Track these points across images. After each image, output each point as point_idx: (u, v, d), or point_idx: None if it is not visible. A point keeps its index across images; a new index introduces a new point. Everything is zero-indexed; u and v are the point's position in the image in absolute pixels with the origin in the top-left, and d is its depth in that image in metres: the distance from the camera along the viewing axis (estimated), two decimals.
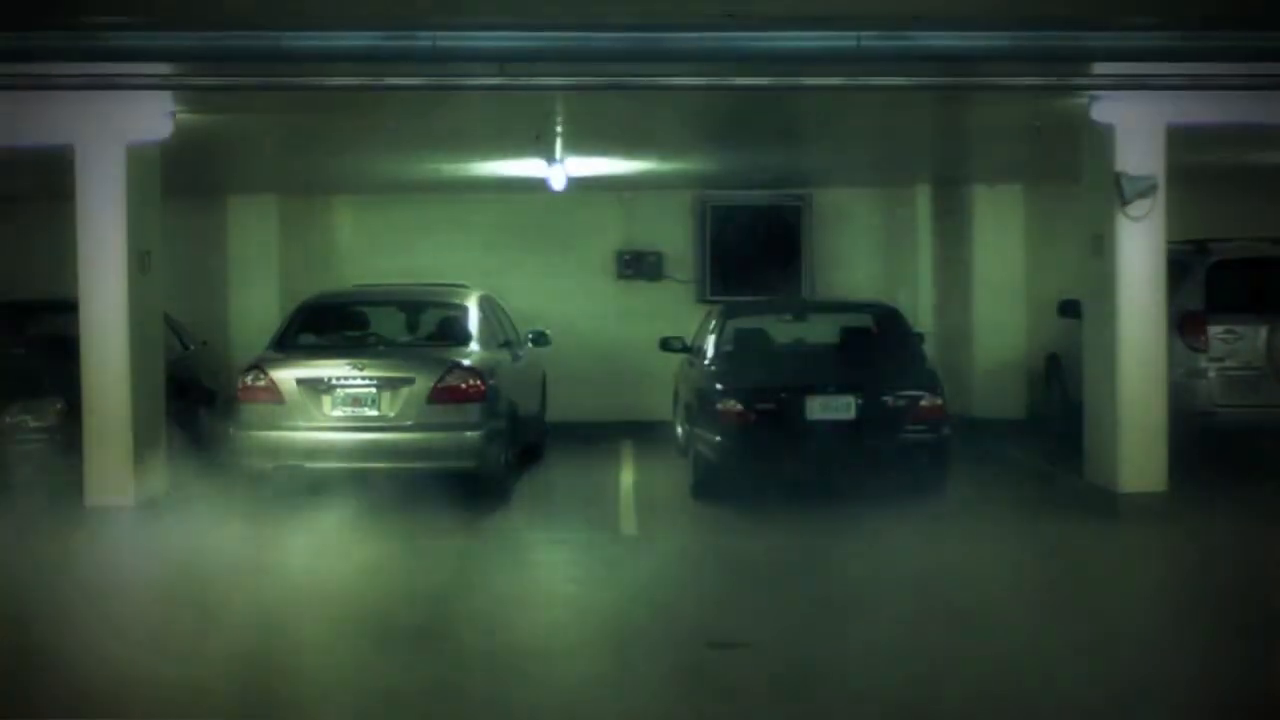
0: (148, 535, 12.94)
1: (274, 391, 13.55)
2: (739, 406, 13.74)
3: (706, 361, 14.97)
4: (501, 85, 10.40)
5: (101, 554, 12.43)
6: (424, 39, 8.79)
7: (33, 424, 13.78)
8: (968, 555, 12.11)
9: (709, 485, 14.20)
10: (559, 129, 14.28)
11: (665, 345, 16.39)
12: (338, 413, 13.51)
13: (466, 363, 13.80)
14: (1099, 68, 11.37)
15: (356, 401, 13.51)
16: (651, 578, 11.40)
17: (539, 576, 11.62)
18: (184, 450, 14.88)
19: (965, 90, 12.08)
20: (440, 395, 13.51)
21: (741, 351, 15.16)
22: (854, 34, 8.93)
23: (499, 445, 14.04)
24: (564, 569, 11.75)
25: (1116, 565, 11.88)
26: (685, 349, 16.18)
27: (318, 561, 11.88)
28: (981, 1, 9.60)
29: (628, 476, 15.59)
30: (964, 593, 10.73)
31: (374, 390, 13.50)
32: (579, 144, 15.36)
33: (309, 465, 13.63)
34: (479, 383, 13.62)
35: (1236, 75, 10.59)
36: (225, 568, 11.57)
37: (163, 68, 10.80)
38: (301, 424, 13.58)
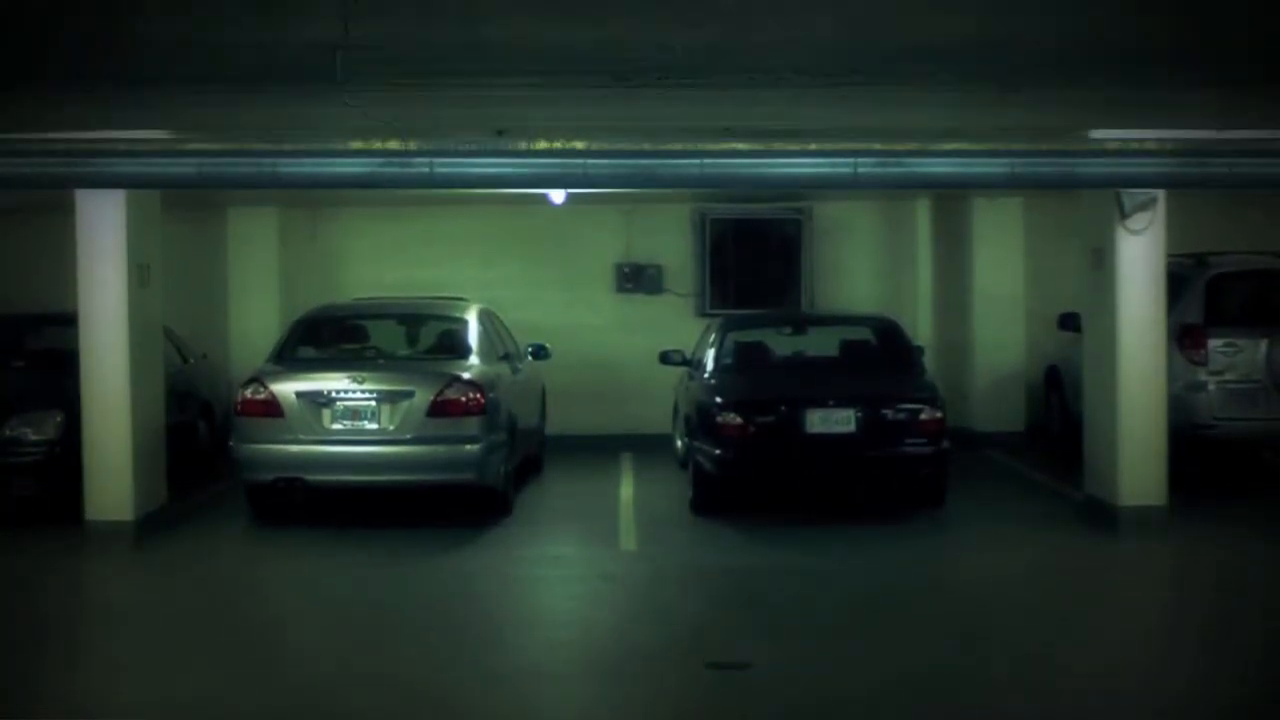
0: (146, 556, 12.94)
1: (273, 404, 13.53)
2: (738, 419, 13.73)
3: (706, 375, 14.96)
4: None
5: (100, 576, 12.44)
6: (420, 164, 8.87)
7: (32, 437, 13.75)
8: (969, 572, 12.13)
9: (708, 499, 14.18)
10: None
11: (665, 359, 16.39)
12: (337, 426, 13.50)
13: (466, 376, 13.79)
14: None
15: (356, 414, 13.49)
16: (650, 595, 11.41)
17: (537, 594, 11.63)
18: (184, 463, 14.89)
19: None
20: (440, 408, 13.50)
21: (741, 365, 15.16)
22: (851, 160, 9.01)
23: (498, 458, 14.02)
24: (562, 586, 11.75)
25: (1118, 582, 11.85)
26: (685, 362, 16.18)
27: (313, 581, 11.90)
28: (979, 134, 9.71)
29: (627, 490, 15.58)
30: (966, 611, 10.74)
31: (373, 403, 13.49)
32: None
33: (309, 478, 13.62)
34: (478, 396, 13.61)
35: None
36: (222, 591, 11.58)
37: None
38: (301, 437, 13.56)
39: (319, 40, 6.98)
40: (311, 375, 13.88)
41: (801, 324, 17.17)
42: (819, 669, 9.22)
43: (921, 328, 19.33)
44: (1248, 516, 13.56)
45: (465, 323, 15.01)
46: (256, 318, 18.92)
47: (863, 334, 15.89)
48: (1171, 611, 11.10)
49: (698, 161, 7.64)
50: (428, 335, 15.65)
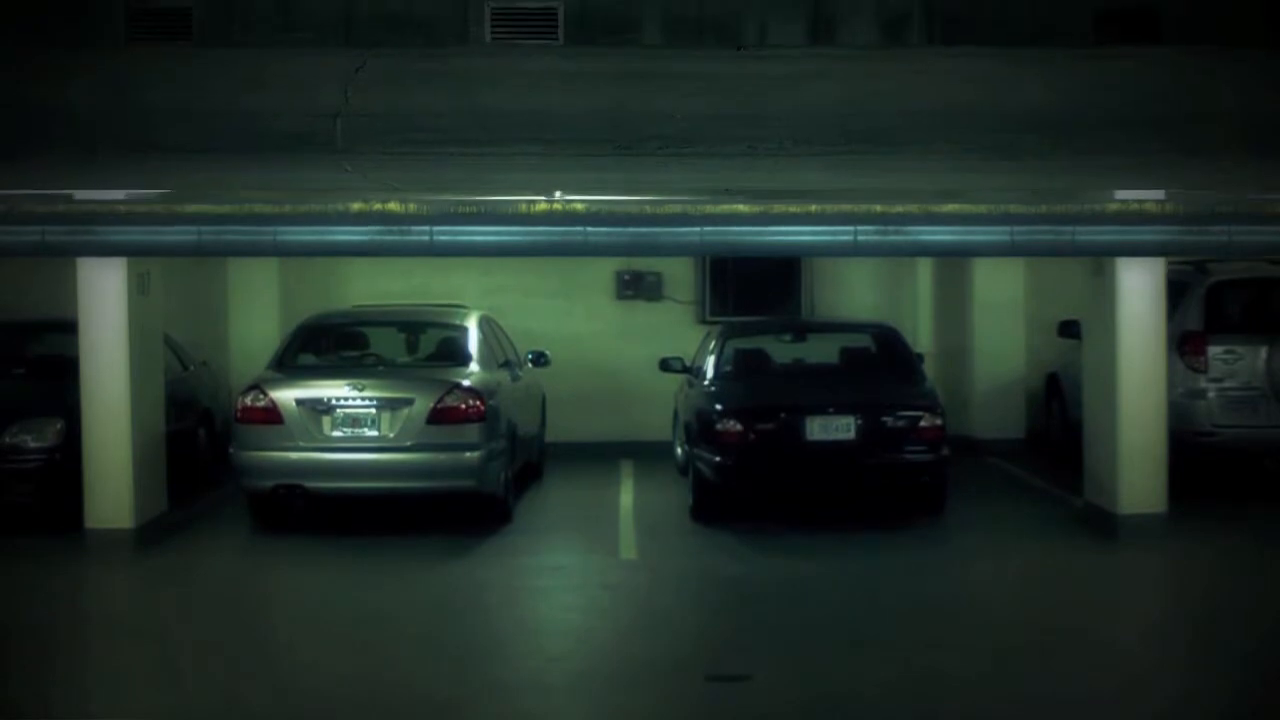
0: (146, 565, 12.94)
1: (273, 412, 13.52)
2: (739, 427, 13.73)
3: (706, 382, 14.96)
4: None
5: (99, 585, 12.43)
6: (420, 233, 8.95)
7: (32, 444, 13.72)
8: (969, 581, 12.09)
9: (708, 506, 14.17)
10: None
11: (665, 366, 16.38)
12: (337, 433, 13.48)
13: (466, 383, 13.78)
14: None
15: (356, 422, 13.48)
16: (650, 605, 11.38)
17: (537, 604, 11.60)
18: (184, 471, 14.89)
19: None
20: (440, 416, 13.49)
21: (741, 372, 15.16)
22: (851, 229, 9.09)
23: (498, 465, 14.01)
24: (562, 596, 11.73)
25: (1118, 591, 11.83)
26: (685, 369, 16.17)
27: (312, 591, 11.89)
28: (978, 195, 9.76)
29: (627, 497, 15.56)
30: (967, 622, 10.72)
31: (373, 410, 13.48)
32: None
33: (308, 485, 13.60)
34: (478, 403, 13.60)
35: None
36: (222, 601, 11.56)
37: None
38: (301, 444, 13.54)
39: (320, 109, 7.04)
40: (311, 382, 13.86)
41: (801, 331, 17.17)
42: (820, 681, 9.18)
43: (921, 335, 19.34)
44: (1248, 524, 13.54)
45: (465, 330, 15.01)
46: (256, 325, 18.91)
47: (863, 341, 15.88)
48: (1170, 621, 11.07)
49: (698, 230, 7.73)
50: (428, 342, 15.64)
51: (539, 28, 6.80)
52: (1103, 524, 13.59)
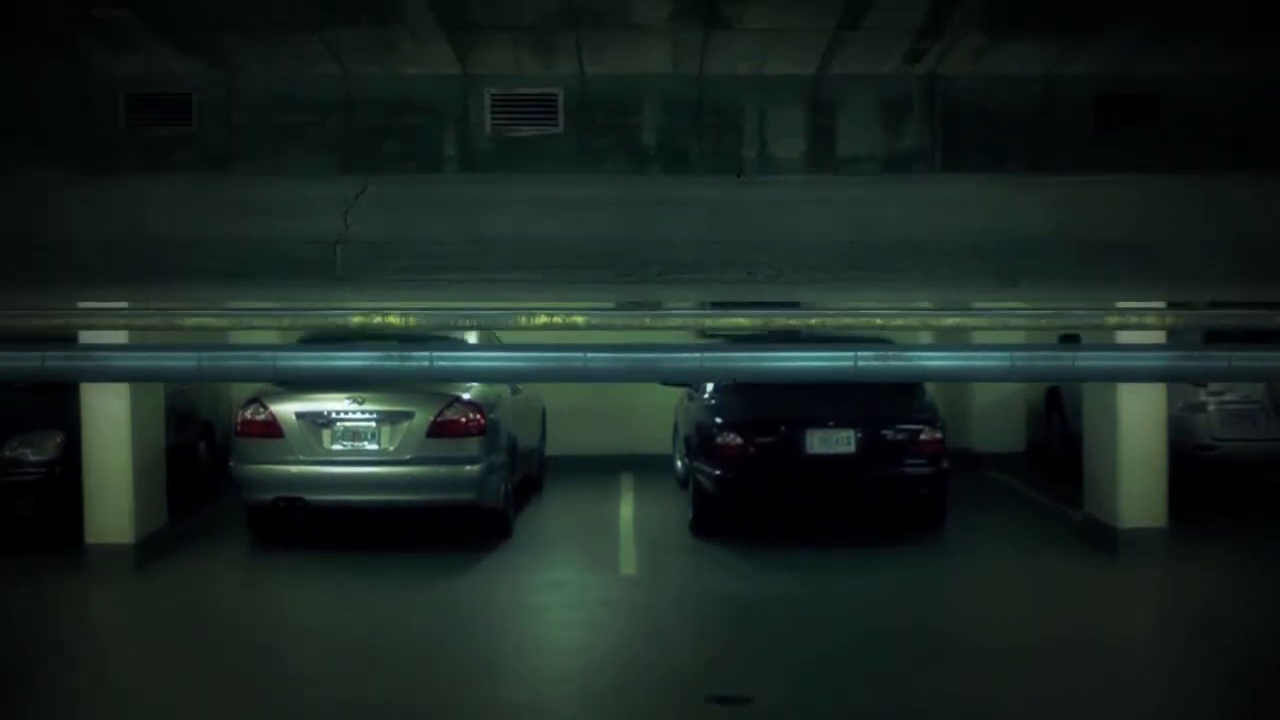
0: (146, 581, 12.94)
1: (273, 425, 13.51)
2: (738, 440, 13.73)
3: (706, 395, 14.95)
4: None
5: (100, 603, 12.42)
6: (420, 358, 9.00)
7: (32, 457, 13.72)
8: (969, 598, 12.10)
9: (708, 520, 14.17)
10: None
11: (665, 379, 16.35)
12: (337, 446, 13.48)
13: (466, 396, 13.77)
14: None
15: (356, 435, 13.48)
16: (650, 624, 11.38)
17: (537, 622, 11.60)
18: (183, 484, 14.88)
19: None
20: (439, 429, 13.49)
21: (741, 385, 15.14)
22: (851, 354, 9.13)
23: (498, 479, 14.01)
24: (562, 613, 11.73)
25: (1118, 609, 11.82)
26: (685, 382, 16.15)
27: (312, 607, 11.89)
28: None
29: (627, 511, 15.56)
30: (967, 640, 10.71)
31: (373, 424, 13.47)
32: None
33: (309, 499, 13.59)
34: (478, 416, 13.59)
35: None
36: (221, 619, 11.55)
37: None
38: (301, 458, 13.54)
39: (319, 235, 7.09)
40: (311, 396, 13.85)
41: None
42: (821, 703, 9.18)
43: None
44: (1248, 539, 13.54)
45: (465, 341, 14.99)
46: (256, 337, 18.86)
47: None
48: (1173, 640, 11.06)
49: (698, 355, 7.81)
50: None
51: (539, 113, 6.85)
52: (1103, 539, 13.58)
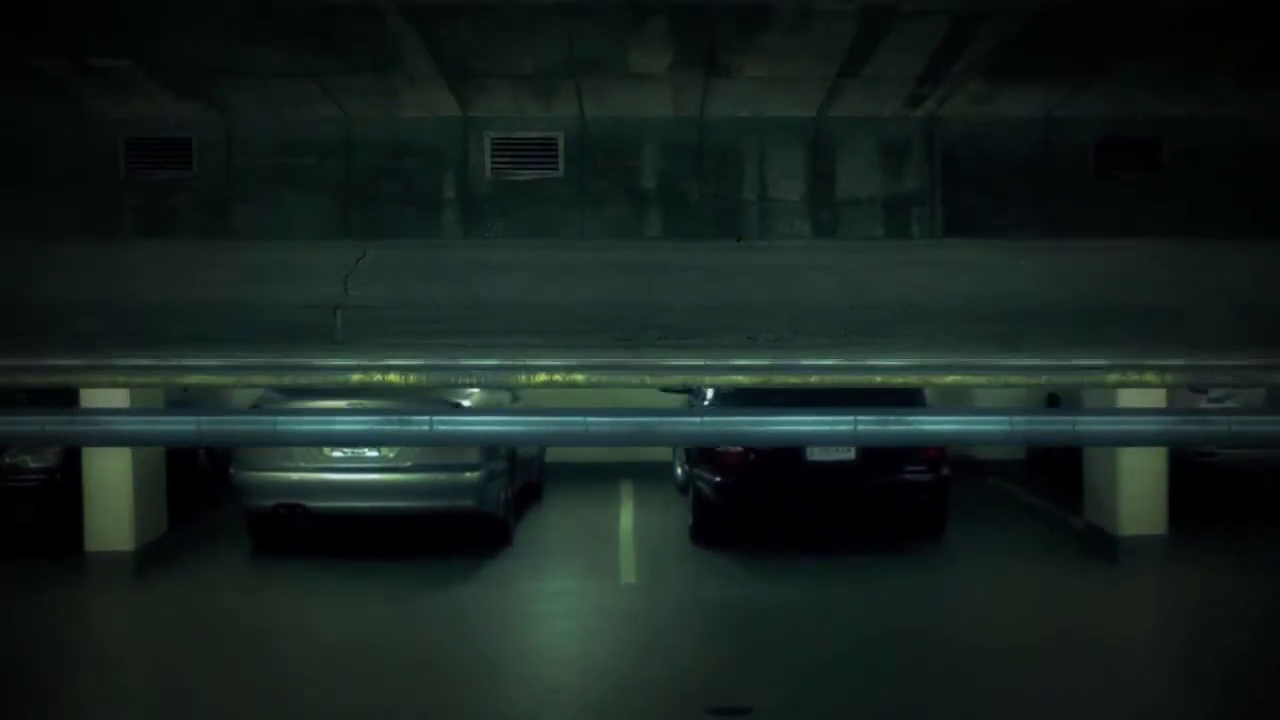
0: (146, 589, 12.95)
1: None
2: (738, 447, 13.71)
3: (706, 402, 14.93)
4: None
5: (100, 612, 12.42)
6: (420, 423, 9.05)
7: (32, 464, 13.71)
8: (969, 607, 12.09)
9: (708, 527, 14.17)
10: None
11: (666, 385, 16.32)
12: (338, 453, 13.47)
13: (466, 403, 13.75)
14: None
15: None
16: (650, 633, 11.37)
17: (536, 632, 11.60)
18: (184, 490, 14.88)
19: None
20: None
21: (741, 391, 15.11)
22: (851, 418, 9.16)
23: (498, 486, 14.01)
24: (562, 622, 11.73)
25: (1118, 617, 11.83)
26: (686, 389, 16.13)
27: (311, 617, 11.88)
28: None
29: (626, 518, 15.56)
30: (969, 650, 10.70)
31: None
32: None
33: (309, 505, 13.59)
34: None
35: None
36: (220, 628, 11.56)
37: None
38: (302, 464, 13.53)
39: (319, 300, 7.09)
40: (312, 403, 13.82)
41: None
42: (821, 714, 9.19)
43: None
44: (1247, 547, 13.52)
45: None
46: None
47: None
48: (1168, 649, 11.07)
49: (698, 420, 7.86)
50: None
51: (539, 157, 6.84)
52: (1103, 546, 13.59)
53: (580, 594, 12.60)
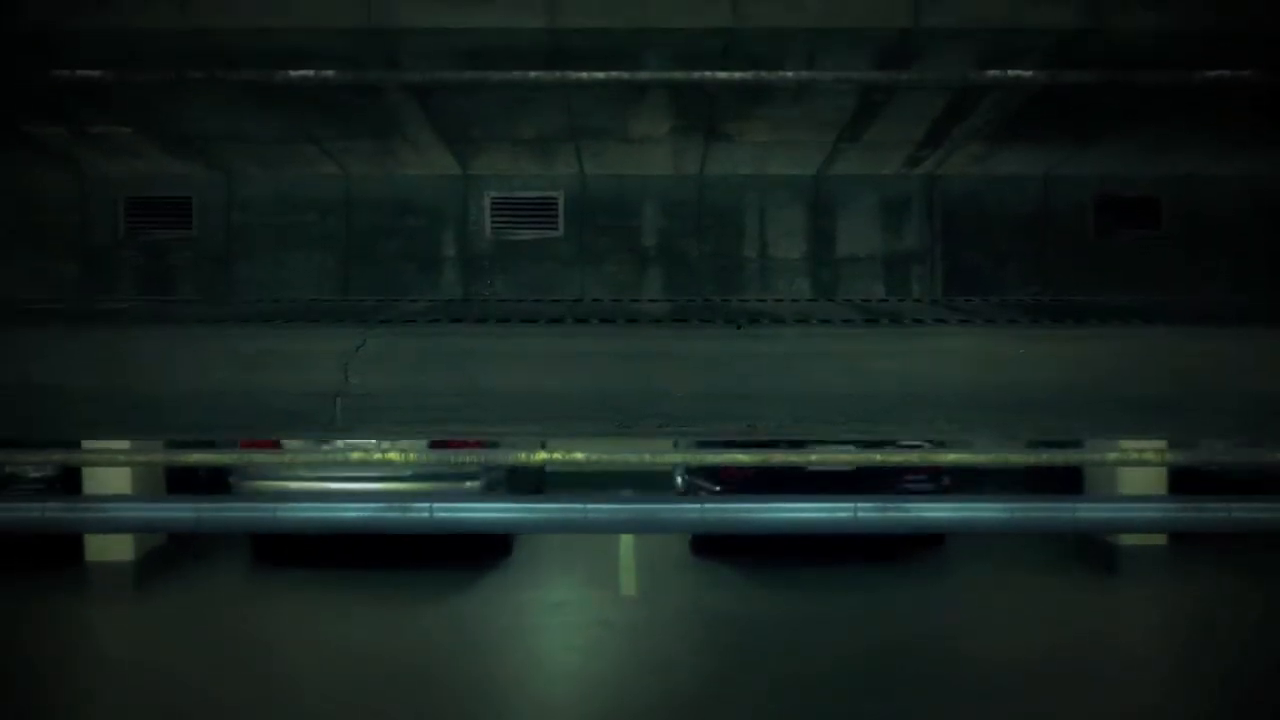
0: (146, 600, 12.95)
1: (274, 440, 13.48)
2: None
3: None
4: None
5: (101, 622, 12.41)
6: (420, 509, 9.09)
7: (32, 474, 13.68)
8: (970, 618, 12.07)
9: (709, 538, 14.16)
10: None
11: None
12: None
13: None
14: None
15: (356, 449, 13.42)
16: (650, 646, 11.37)
17: (536, 644, 11.60)
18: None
19: None
20: (441, 443, 13.45)
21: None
22: (851, 505, 9.18)
23: (499, 494, 13.97)
24: (562, 635, 11.72)
25: (1118, 628, 11.83)
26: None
27: (311, 628, 11.88)
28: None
29: None
30: (969, 661, 10.68)
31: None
32: None
33: None
34: None
35: None
36: (220, 639, 11.56)
37: None
38: (302, 472, 13.51)
39: (319, 388, 7.10)
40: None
41: None
42: None
43: None
44: (1248, 555, 13.51)
45: None
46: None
47: None
48: (1168, 661, 11.05)
49: (699, 507, 7.88)
50: None
51: (539, 216, 6.82)
52: (1103, 554, 13.57)
53: (581, 606, 12.60)
